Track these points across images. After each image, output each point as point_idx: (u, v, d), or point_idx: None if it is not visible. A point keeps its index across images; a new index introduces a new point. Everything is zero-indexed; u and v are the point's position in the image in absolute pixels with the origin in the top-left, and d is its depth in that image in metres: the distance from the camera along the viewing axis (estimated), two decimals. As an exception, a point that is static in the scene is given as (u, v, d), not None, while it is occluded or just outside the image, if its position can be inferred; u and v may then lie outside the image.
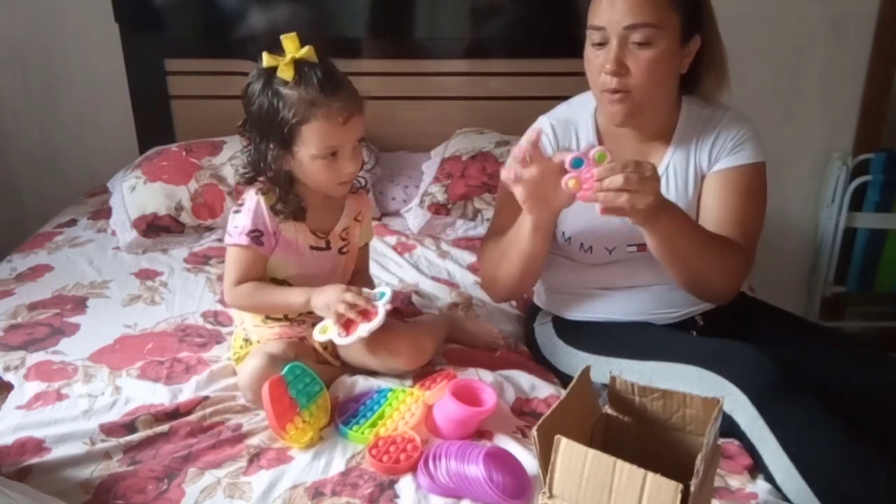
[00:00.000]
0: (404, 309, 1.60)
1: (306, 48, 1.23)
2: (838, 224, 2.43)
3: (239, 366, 1.34)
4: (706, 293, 1.34)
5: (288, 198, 1.29)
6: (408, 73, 2.37)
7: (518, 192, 1.21)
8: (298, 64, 1.22)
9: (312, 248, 1.34)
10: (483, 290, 1.51)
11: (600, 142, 1.38)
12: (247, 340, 1.36)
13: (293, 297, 1.29)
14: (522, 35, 2.33)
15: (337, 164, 1.26)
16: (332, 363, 1.36)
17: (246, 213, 1.30)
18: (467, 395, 1.17)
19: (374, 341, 1.29)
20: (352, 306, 1.23)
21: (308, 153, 1.24)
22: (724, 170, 1.33)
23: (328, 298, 1.24)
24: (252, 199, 1.30)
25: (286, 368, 1.20)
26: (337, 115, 1.22)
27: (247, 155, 1.32)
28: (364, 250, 1.49)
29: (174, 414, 1.23)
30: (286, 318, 1.35)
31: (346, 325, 1.24)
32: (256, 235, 1.28)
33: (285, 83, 1.22)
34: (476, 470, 1.03)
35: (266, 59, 1.24)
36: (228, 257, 1.32)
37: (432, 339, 1.37)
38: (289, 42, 1.22)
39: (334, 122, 1.22)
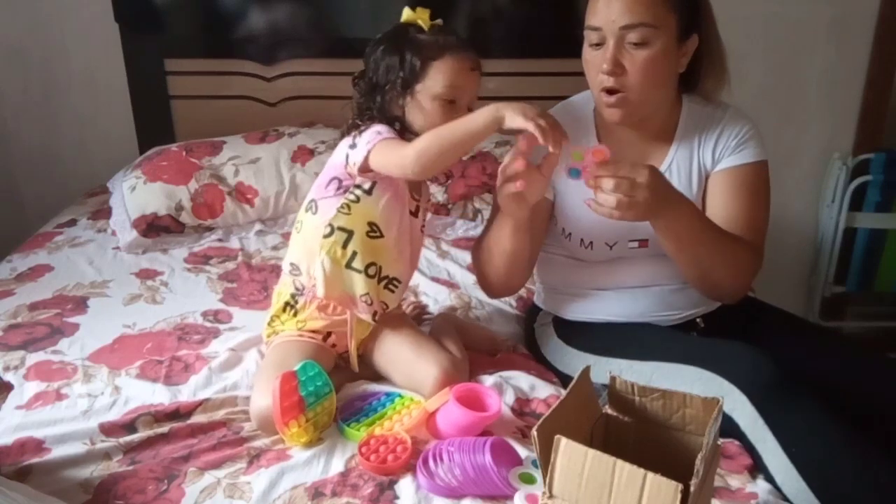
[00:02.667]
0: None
1: (438, 20, 1.33)
2: (838, 224, 2.43)
3: (268, 341, 1.35)
4: (716, 291, 1.34)
5: (406, 135, 1.29)
6: (408, 73, 2.37)
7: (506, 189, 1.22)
8: (433, 24, 1.32)
9: (410, 212, 1.37)
10: (479, 287, 1.52)
11: (599, 139, 1.38)
12: (288, 305, 1.35)
13: (472, 119, 1.20)
14: (522, 35, 2.33)
15: (453, 112, 1.28)
16: (351, 370, 1.36)
17: (374, 127, 1.28)
18: (471, 400, 1.17)
19: (408, 362, 1.31)
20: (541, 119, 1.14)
21: (431, 91, 1.28)
22: (729, 169, 1.33)
23: (522, 107, 1.15)
24: (372, 126, 1.29)
25: (300, 366, 1.20)
26: (468, 59, 1.30)
27: (359, 104, 1.34)
28: None
29: (174, 415, 1.23)
30: (366, 272, 1.31)
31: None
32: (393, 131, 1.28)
33: (421, 31, 1.30)
34: (483, 459, 1.03)
35: (406, 14, 1.32)
36: (385, 149, 1.25)
37: (465, 370, 1.33)
38: (422, 11, 1.32)
39: (463, 64, 1.29)
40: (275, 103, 2.39)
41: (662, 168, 1.35)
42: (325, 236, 1.31)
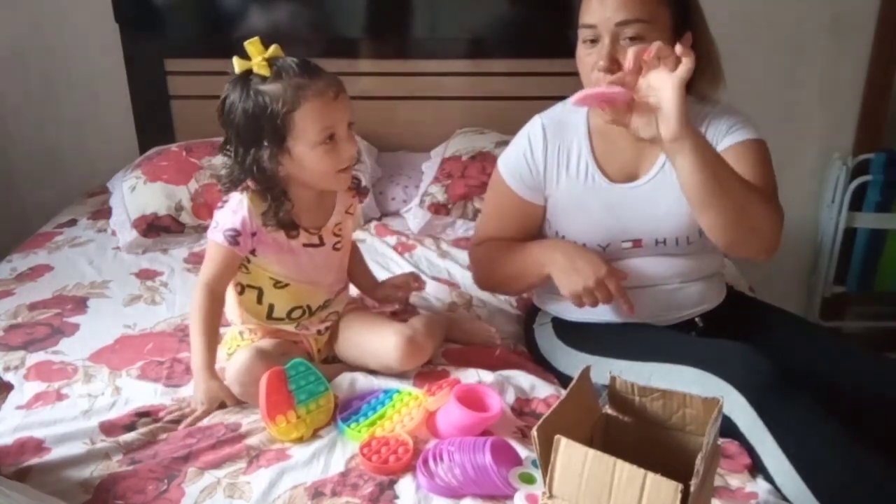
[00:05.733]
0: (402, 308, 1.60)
1: (273, 47, 1.23)
2: (838, 224, 2.42)
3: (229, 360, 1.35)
4: (752, 238, 1.27)
5: (280, 207, 1.26)
6: (408, 73, 2.37)
7: None
8: (271, 61, 1.22)
9: (306, 245, 1.33)
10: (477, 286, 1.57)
11: (592, 142, 1.37)
12: (241, 334, 1.36)
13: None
14: (522, 35, 2.33)
15: (336, 149, 1.24)
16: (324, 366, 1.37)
17: (228, 210, 1.28)
18: (472, 401, 1.17)
19: (370, 340, 1.33)
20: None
21: (306, 142, 1.21)
22: (725, 149, 1.28)
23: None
24: (236, 198, 1.28)
25: (290, 363, 1.21)
26: (326, 90, 1.21)
27: (229, 170, 1.28)
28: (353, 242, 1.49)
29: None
30: (289, 317, 1.36)
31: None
32: (232, 235, 1.26)
33: (264, 80, 1.21)
34: (483, 459, 1.04)
35: (237, 64, 1.22)
36: (207, 251, 1.31)
37: (431, 339, 1.36)
38: (252, 46, 1.21)
39: (326, 98, 1.21)
40: (274, 103, 2.39)
41: (656, 167, 1.34)
42: (240, 293, 1.35)
